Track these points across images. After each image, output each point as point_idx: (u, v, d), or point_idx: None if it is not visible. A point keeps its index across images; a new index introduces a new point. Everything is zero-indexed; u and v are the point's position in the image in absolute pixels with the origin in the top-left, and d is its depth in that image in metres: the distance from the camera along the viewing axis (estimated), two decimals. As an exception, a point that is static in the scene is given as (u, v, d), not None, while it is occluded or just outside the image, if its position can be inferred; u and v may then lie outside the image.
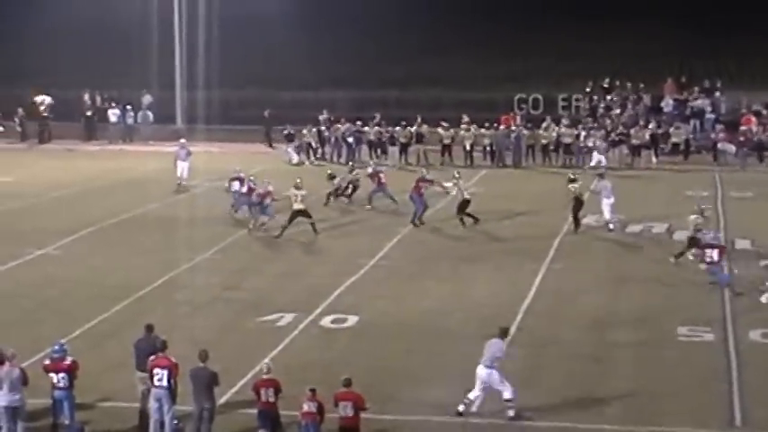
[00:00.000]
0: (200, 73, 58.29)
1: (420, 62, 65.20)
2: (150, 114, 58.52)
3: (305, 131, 50.29)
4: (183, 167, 42.45)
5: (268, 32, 61.03)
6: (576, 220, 34.97)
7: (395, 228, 35.28)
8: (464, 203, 35.61)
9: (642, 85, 55.24)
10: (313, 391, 18.31)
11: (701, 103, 53.19)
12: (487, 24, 67.75)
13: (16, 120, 56.96)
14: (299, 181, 34.67)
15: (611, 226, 34.99)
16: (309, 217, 34.29)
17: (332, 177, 39.47)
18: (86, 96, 58.99)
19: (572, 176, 36.50)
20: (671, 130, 50.20)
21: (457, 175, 36.38)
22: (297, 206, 34.05)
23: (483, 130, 49.72)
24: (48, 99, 57.91)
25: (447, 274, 29.84)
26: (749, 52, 62.34)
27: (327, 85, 59.46)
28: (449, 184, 36.33)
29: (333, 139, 50.63)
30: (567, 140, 48.64)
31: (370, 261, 30.98)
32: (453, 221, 35.71)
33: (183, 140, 45.15)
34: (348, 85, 59.72)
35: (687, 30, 65.69)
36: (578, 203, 34.97)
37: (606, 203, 35.14)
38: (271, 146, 54.13)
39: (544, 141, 48.97)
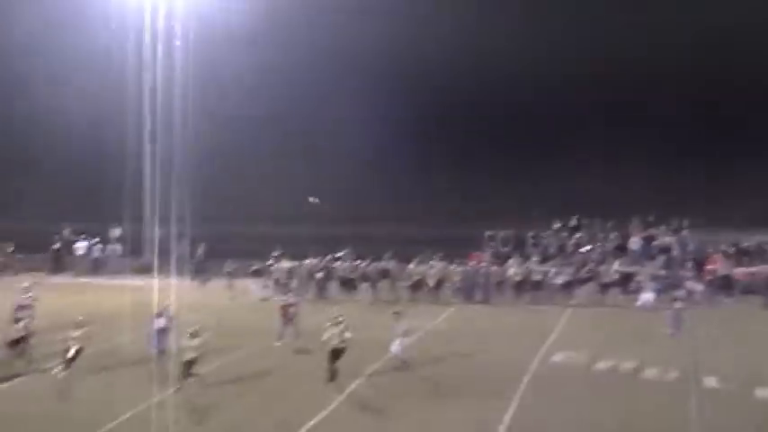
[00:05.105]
0: (173, 207, 58.38)
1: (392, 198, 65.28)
2: (119, 247, 58.37)
3: (272, 267, 50.02)
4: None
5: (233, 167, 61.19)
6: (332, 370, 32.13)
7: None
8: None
9: (609, 224, 55.64)
10: None
11: (669, 241, 53.58)
12: (453, 166, 68.05)
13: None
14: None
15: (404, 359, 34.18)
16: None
17: (193, 336, 31.21)
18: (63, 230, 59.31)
19: (339, 319, 32.64)
20: (638, 268, 50.46)
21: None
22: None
23: (452, 267, 49.88)
24: None
25: (411, 414, 29.11)
26: (716, 193, 62.84)
27: (298, 218, 59.57)
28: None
29: (301, 276, 50.36)
30: (537, 277, 48.82)
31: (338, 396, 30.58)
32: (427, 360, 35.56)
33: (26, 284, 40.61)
34: (316, 219, 59.83)
35: (657, 170, 66.33)
36: (338, 352, 32.13)
37: (398, 343, 34.29)
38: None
39: (517, 278, 49.08)
